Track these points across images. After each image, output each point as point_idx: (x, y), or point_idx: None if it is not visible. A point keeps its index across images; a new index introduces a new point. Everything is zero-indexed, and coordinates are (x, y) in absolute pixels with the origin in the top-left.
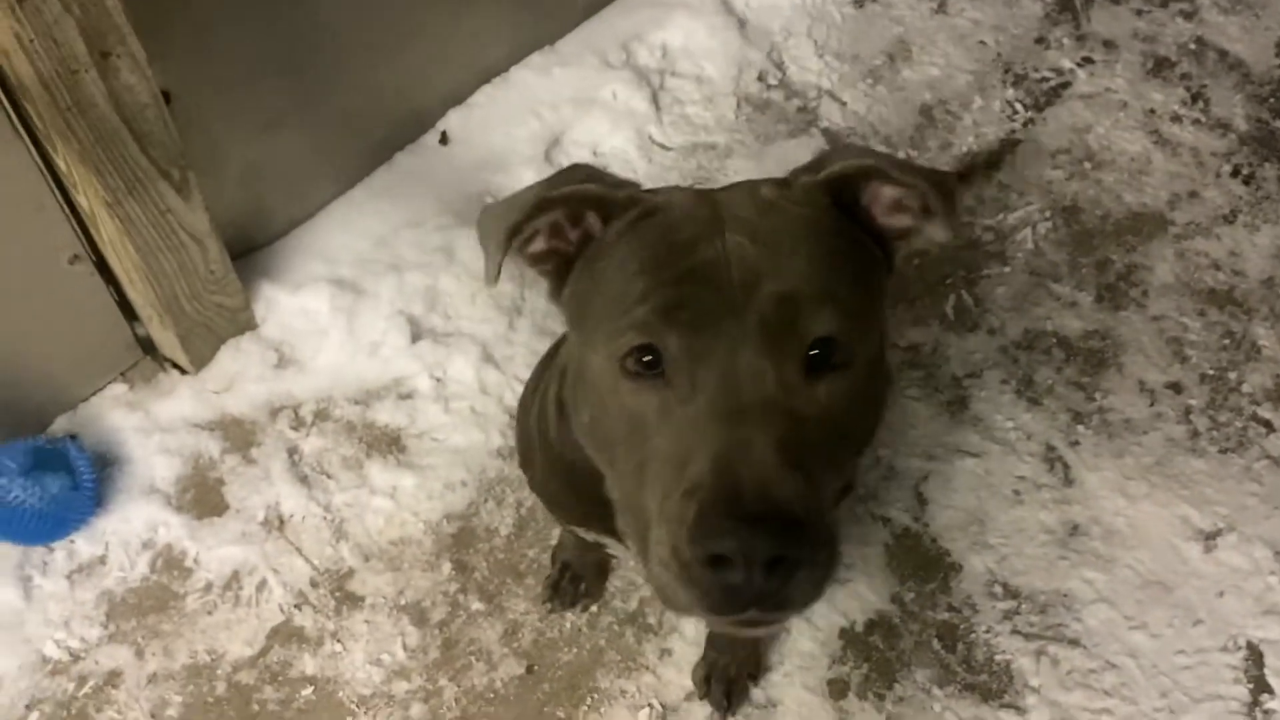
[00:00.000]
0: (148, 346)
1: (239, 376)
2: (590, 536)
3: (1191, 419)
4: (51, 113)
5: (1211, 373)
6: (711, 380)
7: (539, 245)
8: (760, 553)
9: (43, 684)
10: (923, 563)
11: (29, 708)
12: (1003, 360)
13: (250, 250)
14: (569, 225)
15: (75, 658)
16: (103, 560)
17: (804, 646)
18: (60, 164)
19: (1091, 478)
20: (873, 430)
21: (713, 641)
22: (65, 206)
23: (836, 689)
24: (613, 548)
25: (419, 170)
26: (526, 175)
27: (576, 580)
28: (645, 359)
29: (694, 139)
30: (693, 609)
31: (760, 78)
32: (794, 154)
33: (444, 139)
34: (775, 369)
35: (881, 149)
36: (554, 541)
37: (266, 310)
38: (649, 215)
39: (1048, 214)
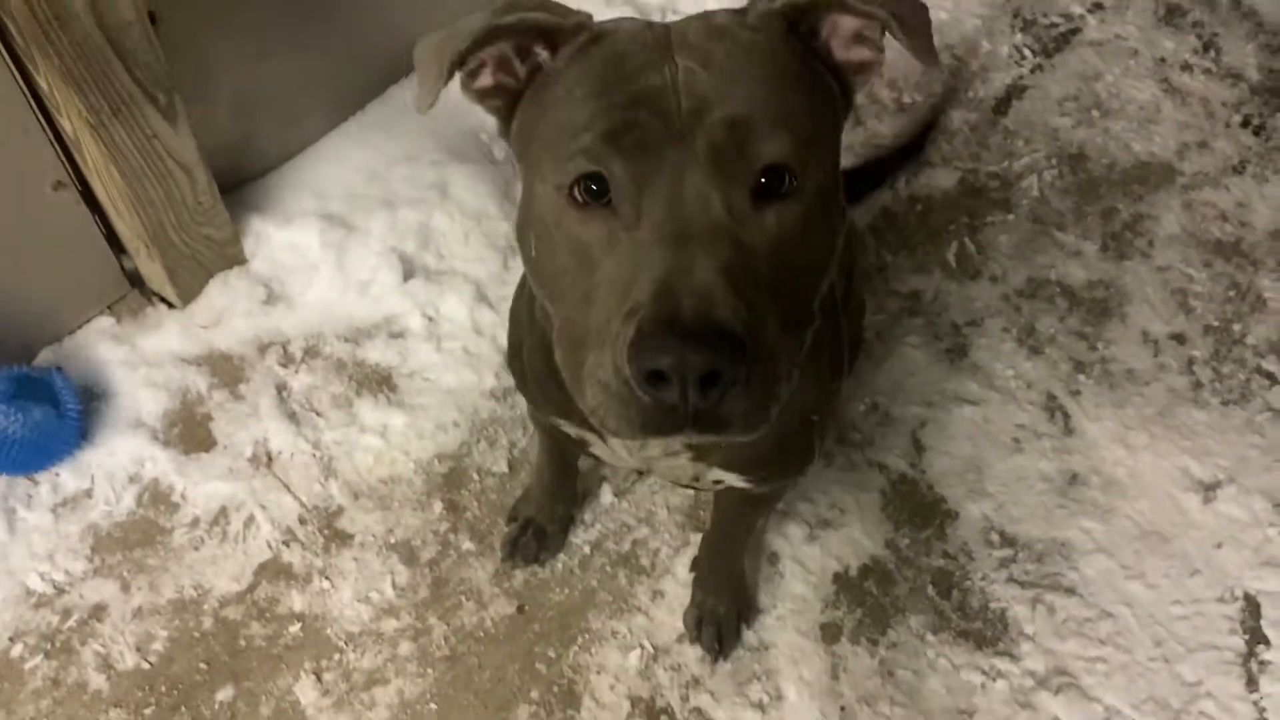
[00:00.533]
0: (135, 279)
1: (227, 311)
2: (573, 431)
3: (1194, 370)
4: (31, 26)
5: (1216, 324)
6: (658, 206)
7: (486, 80)
8: (695, 367)
9: (26, 616)
10: (919, 509)
11: (13, 640)
12: (1004, 308)
13: (240, 183)
14: (516, 58)
15: (60, 591)
16: (88, 494)
17: (797, 590)
18: (42, 83)
19: (1092, 427)
20: (823, 267)
21: (702, 583)
22: (48, 130)
23: (829, 633)
24: (595, 446)
25: None
26: None
27: (539, 535)
28: (592, 187)
29: None
30: (632, 430)
31: None
32: None
33: None
34: (722, 195)
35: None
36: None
37: (256, 245)
38: (596, 41)
39: (1054, 161)
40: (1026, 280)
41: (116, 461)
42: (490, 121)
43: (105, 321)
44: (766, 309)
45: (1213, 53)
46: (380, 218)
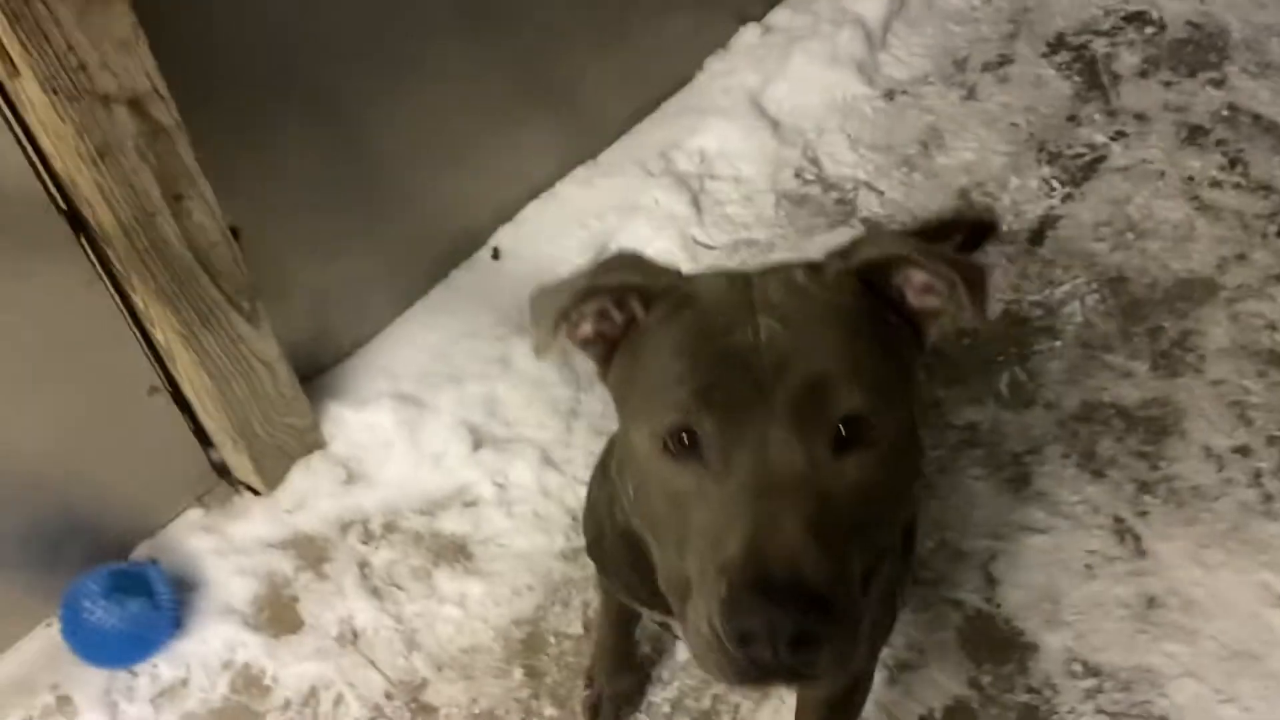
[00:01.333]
0: (222, 470)
1: (310, 494)
2: (656, 617)
3: (1262, 482)
4: (130, 254)
5: (1279, 434)
6: (744, 460)
7: (586, 329)
8: (785, 630)
9: None
10: (997, 644)
11: None
12: (1062, 434)
13: (317, 371)
14: (615, 309)
15: None
16: (184, 683)
17: None
18: (138, 302)
19: (1164, 548)
20: (902, 501)
21: None
22: (143, 341)
23: None
24: (676, 628)
25: (474, 285)
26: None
27: (615, 698)
28: (683, 439)
29: (735, 236)
30: (727, 679)
31: (797, 174)
32: (835, 244)
33: (496, 254)
34: (804, 447)
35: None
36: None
37: (334, 428)
38: (687, 300)
39: (1094, 286)
40: (1080, 404)
41: (210, 649)
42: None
43: (196, 513)
44: (850, 553)
45: (1240, 167)
46: (448, 393)
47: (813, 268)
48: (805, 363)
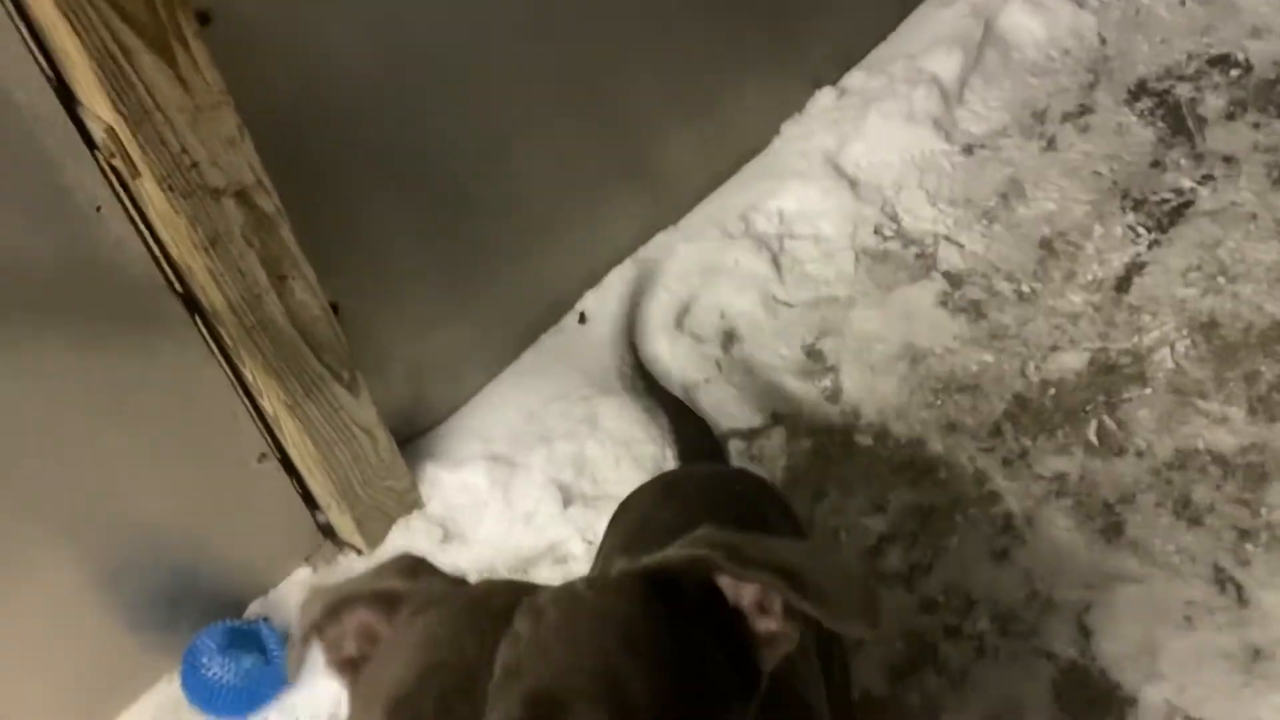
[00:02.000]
0: (328, 531)
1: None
2: None
3: None
4: (239, 331)
5: None
6: None
7: (350, 648)
8: None
9: None
10: (1094, 698)
11: None
12: (1155, 482)
13: (415, 435)
14: (385, 622)
15: None
16: None
17: None
18: (248, 374)
19: (1268, 597)
20: None
21: None
22: (253, 411)
23: None
24: None
25: (562, 349)
26: (661, 342)
27: None
28: None
29: (816, 294)
30: None
31: (876, 230)
32: (916, 298)
33: (582, 319)
34: None
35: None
36: None
37: (431, 489)
38: (434, 604)
39: (1185, 332)
40: (1174, 452)
41: (318, 701)
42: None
43: (304, 572)
44: None
45: None
46: (539, 453)
47: (600, 577)
48: (535, 676)
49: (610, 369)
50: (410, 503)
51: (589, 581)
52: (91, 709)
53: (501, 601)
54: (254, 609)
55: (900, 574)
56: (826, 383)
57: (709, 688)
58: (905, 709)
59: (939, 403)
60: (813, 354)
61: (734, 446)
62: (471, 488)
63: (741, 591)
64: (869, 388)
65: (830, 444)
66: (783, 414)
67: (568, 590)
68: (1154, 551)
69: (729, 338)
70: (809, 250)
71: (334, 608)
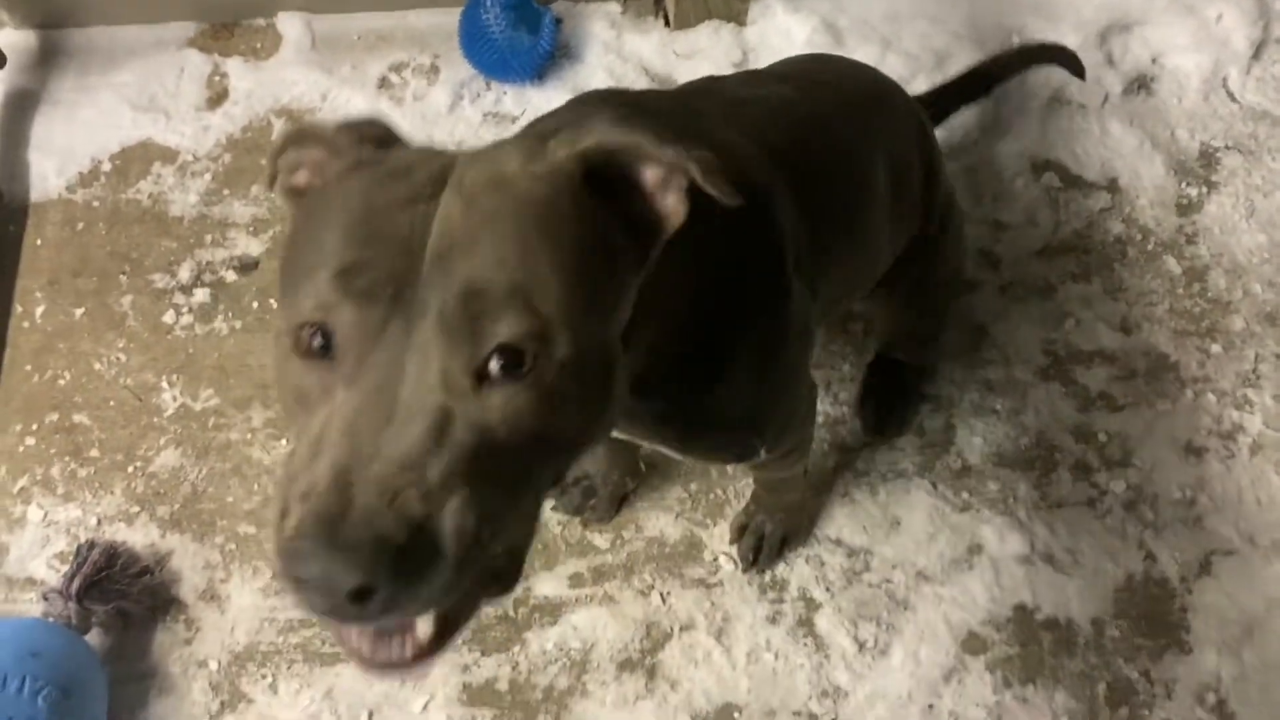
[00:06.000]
0: None
1: (703, 54)
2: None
3: None
4: None
5: None
6: (375, 371)
7: (300, 177)
8: (341, 586)
9: None
10: (1154, 613)
11: None
12: None
13: None
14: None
15: None
16: (513, 120)
17: (974, 589)
18: None
19: None
20: (584, 428)
21: (757, 498)
22: None
23: (973, 644)
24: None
25: None
26: None
27: (588, 493)
28: (317, 339)
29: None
30: (300, 605)
31: None
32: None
33: None
34: (443, 370)
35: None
36: None
37: (759, 14)
38: (369, 164)
39: None
40: None
41: (549, 105)
42: None
43: (613, 7)
44: (488, 481)
45: None
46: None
47: (532, 150)
48: (468, 266)
49: None
50: (735, 12)
51: (525, 155)
52: None
53: (434, 170)
54: (557, 6)
55: None
56: None
57: (617, 276)
58: None
59: None
60: None
61: None
62: (792, 35)
63: (643, 174)
64: None
65: None
66: None
67: (498, 172)
68: None
69: None
70: None
71: (297, 136)
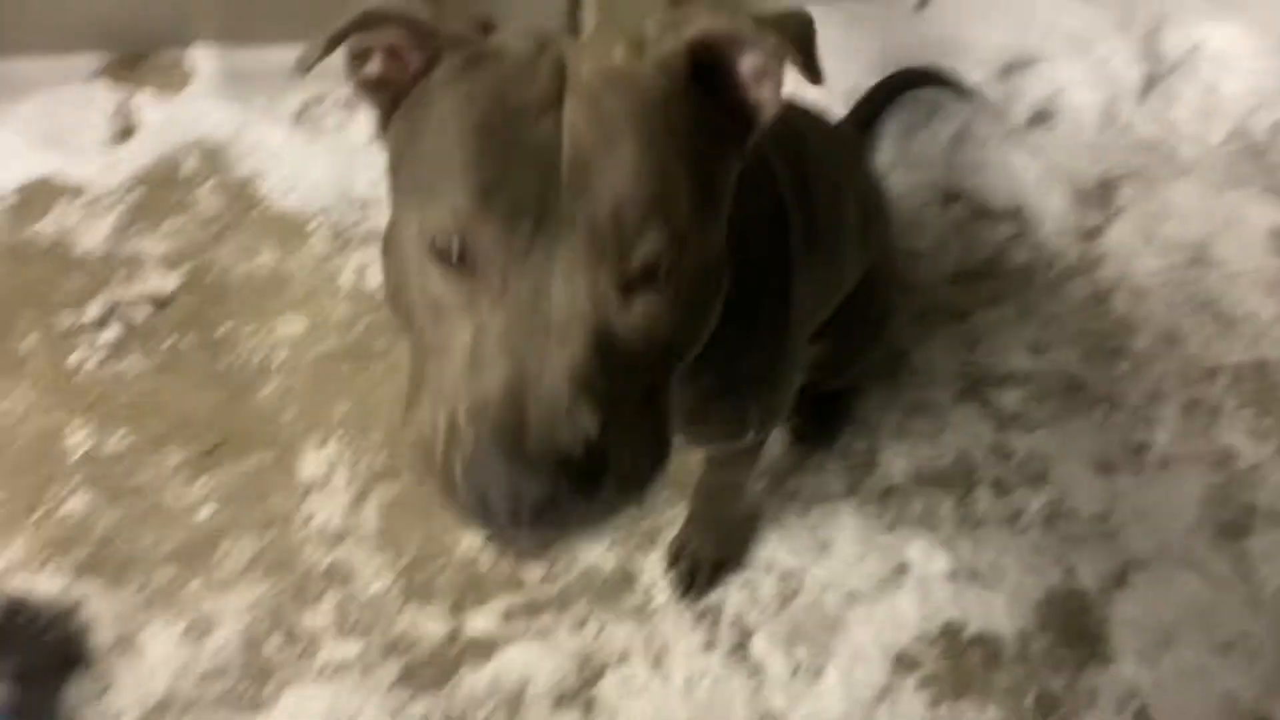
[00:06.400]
0: None
1: None
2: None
3: None
4: None
5: None
6: (523, 287)
7: (374, 68)
8: (528, 501)
9: None
10: (1076, 630)
11: None
12: None
13: None
14: (416, 52)
15: None
16: None
17: (902, 607)
18: None
19: None
20: (699, 334)
21: (693, 520)
22: None
23: (903, 663)
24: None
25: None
26: None
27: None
28: (455, 249)
29: None
30: (457, 514)
31: None
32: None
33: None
34: (591, 286)
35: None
36: None
37: None
38: (481, 61)
39: None
40: None
41: None
42: None
43: None
44: (627, 395)
45: None
46: None
47: (635, 44)
48: (609, 182)
49: None
50: None
51: (630, 53)
52: None
53: (546, 67)
54: None
55: None
56: None
57: (725, 169)
58: None
59: None
60: None
61: None
62: None
63: (742, 63)
64: None
65: None
66: None
67: (614, 70)
68: None
69: None
70: None
71: (370, 19)
